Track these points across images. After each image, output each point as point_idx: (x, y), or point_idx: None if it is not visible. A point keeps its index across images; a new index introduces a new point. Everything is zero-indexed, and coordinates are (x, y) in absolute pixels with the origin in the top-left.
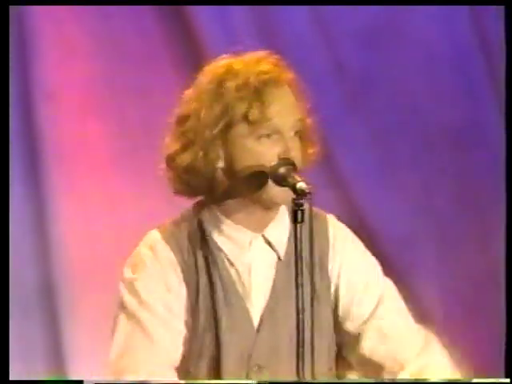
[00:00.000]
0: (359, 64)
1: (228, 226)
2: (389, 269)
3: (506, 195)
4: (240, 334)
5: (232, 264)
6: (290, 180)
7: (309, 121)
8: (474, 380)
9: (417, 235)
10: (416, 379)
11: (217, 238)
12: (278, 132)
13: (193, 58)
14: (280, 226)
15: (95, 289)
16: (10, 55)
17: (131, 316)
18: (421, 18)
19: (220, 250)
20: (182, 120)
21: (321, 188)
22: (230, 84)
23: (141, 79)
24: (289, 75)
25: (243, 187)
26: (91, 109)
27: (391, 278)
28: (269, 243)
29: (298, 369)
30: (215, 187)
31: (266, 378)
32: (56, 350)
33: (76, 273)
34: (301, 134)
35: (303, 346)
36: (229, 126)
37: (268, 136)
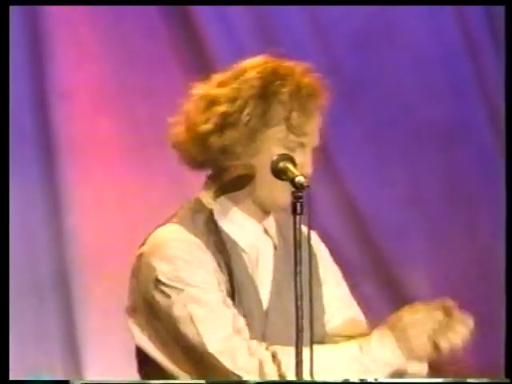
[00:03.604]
0: (352, 64)
1: (236, 213)
2: (380, 260)
3: (506, 193)
4: (254, 318)
5: (243, 250)
6: (289, 174)
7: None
8: (474, 380)
9: (407, 227)
10: (415, 379)
11: (227, 225)
12: (303, 146)
13: (199, 60)
14: (271, 218)
15: (107, 277)
16: (26, 56)
17: (188, 300)
18: (410, 19)
19: (230, 236)
20: (217, 103)
21: (317, 182)
22: (281, 88)
23: (149, 79)
24: (326, 94)
25: (257, 185)
26: (102, 108)
27: (383, 270)
28: (267, 233)
29: (297, 354)
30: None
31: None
32: (70, 337)
33: (89, 261)
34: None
35: (302, 331)
36: (266, 126)
37: (293, 149)
